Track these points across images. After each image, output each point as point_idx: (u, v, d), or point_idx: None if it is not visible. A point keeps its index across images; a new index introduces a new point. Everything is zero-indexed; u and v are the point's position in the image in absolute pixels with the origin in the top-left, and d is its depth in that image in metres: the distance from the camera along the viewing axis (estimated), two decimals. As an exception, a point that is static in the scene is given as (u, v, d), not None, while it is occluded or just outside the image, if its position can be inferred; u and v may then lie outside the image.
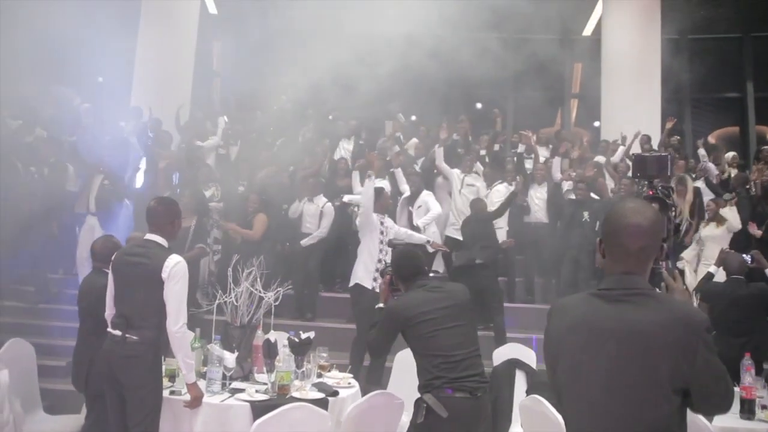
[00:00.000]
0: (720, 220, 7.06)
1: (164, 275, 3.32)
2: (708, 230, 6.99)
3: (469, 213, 7.25)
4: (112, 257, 3.58)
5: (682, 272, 6.63)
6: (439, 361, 3.15)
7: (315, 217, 7.34)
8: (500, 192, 7.67)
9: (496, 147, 9.67)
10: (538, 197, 8.01)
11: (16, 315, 6.62)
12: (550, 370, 1.99)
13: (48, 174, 7.44)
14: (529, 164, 8.83)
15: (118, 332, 3.37)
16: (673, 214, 2.17)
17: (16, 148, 7.44)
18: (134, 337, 3.33)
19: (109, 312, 3.51)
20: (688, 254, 7.04)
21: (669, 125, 9.16)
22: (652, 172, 2.25)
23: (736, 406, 3.72)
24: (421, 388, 3.17)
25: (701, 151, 9.29)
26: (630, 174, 6.12)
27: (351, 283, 5.98)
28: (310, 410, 3.06)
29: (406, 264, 3.53)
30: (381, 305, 3.64)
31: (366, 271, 5.84)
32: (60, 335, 5.90)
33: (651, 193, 2.26)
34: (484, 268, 6.53)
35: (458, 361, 3.17)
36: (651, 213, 1.89)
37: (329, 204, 7.39)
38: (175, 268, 3.34)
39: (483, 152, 9.03)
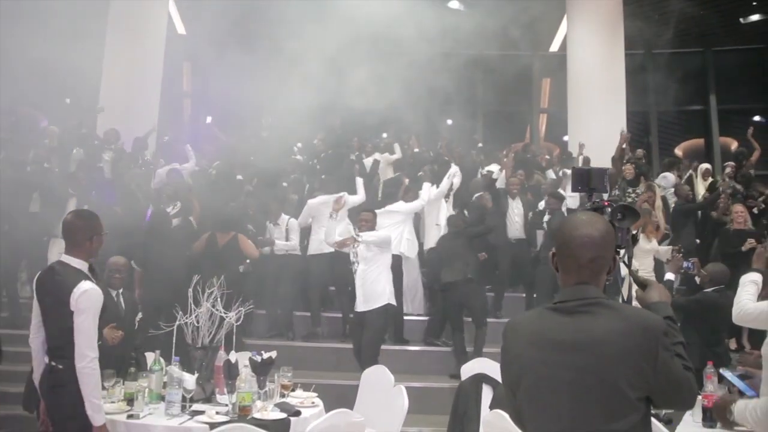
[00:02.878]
0: (656, 235, 7.20)
1: (72, 306, 3.08)
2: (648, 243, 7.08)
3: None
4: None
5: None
6: None
7: (282, 238, 7.36)
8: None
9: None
10: (515, 213, 8.04)
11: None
12: (508, 389, 1.95)
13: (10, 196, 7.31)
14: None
15: (46, 360, 3.22)
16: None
17: None
18: (60, 366, 3.12)
19: (32, 337, 3.32)
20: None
21: (623, 143, 9.09)
22: (594, 185, 2.27)
23: (698, 414, 3.75)
24: None
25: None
26: (570, 187, 6.27)
27: (380, 304, 5.83)
28: (248, 431, 3.00)
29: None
30: None
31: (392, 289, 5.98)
32: (16, 360, 5.74)
33: (606, 203, 2.26)
34: (470, 283, 6.64)
35: None
36: (602, 224, 1.88)
37: (292, 219, 7.44)
38: (81, 297, 3.09)
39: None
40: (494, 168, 9.23)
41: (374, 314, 5.82)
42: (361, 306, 5.89)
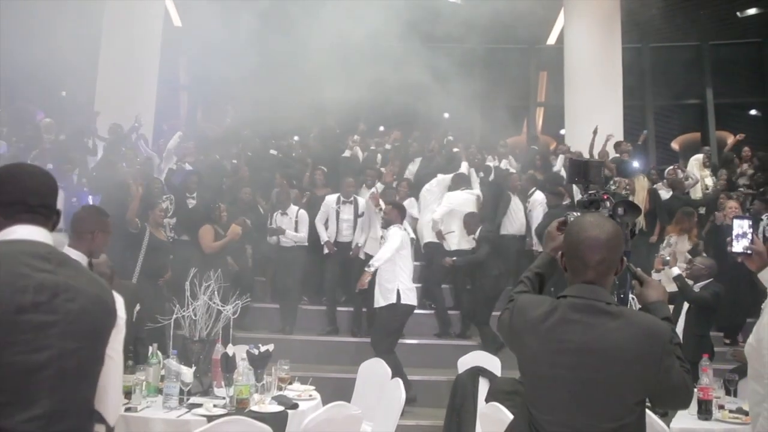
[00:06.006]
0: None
1: None
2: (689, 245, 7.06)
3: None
4: None
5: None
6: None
7: (290, 228, 7.34)
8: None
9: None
10: (518, 209, 8.01)
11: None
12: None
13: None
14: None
15: None
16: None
17: None
18: None
19: None
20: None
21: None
22: (591, 177, 2.25)
23: (693, 407, 3.77)
24: None
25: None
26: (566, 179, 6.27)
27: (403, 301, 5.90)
28: (245, 423, 3.00)
29: None
30: None
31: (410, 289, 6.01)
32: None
33: (605, 197, 2.25)
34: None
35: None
36: (609, 226, 1.91)
37: (302, 211, 7.44)
38: None
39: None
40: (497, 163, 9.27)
41: (381, 311, 5.97)
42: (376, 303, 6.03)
